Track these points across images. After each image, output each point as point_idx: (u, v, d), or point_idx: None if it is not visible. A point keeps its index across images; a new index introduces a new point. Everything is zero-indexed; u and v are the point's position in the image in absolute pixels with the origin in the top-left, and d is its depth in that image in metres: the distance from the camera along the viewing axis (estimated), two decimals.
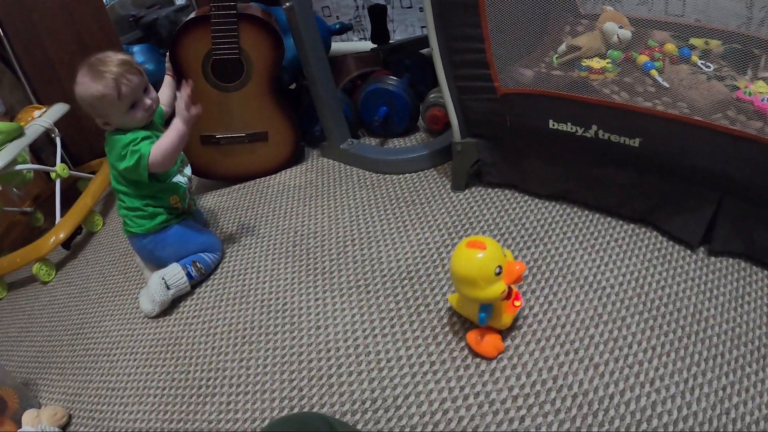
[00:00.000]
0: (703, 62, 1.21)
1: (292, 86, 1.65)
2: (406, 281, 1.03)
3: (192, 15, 1.33)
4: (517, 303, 0.86)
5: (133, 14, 2.08)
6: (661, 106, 0.97)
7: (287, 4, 1.24)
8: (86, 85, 1.01)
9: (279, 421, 0.55)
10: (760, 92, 1.10)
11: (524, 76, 1.06)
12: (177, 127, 1.05)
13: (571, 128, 1.01)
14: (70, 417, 0.98)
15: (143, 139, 1.05)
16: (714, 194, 0.95)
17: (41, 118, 1.44)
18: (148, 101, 1.06)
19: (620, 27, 1.26)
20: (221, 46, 1.30)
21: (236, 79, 1.35)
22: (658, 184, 1.00)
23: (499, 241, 1.07)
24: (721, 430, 0.73)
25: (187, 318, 1.09)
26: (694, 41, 1.28)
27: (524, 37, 1.10)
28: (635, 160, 0.99)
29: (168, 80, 1.26)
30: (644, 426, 0.74)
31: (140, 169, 1.05)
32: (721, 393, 0.77)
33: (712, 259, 0.98)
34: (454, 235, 1.11)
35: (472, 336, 0.88)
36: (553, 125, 1.02)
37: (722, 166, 0.92)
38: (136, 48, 1.90)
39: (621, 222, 1.07)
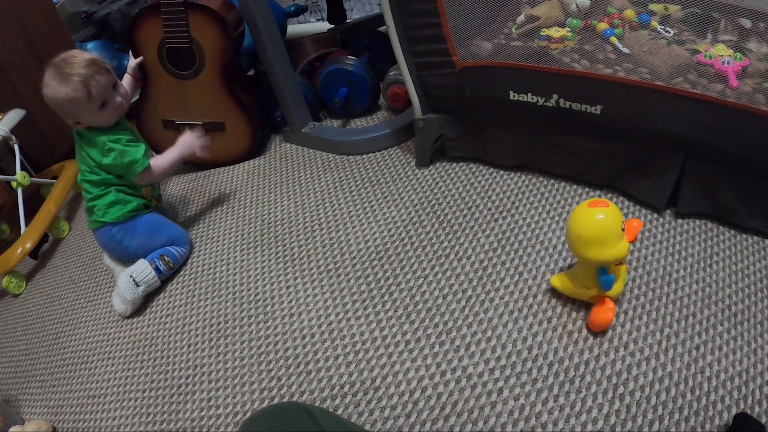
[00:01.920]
0: (663, 27, 1.22)
1: (251, 72, 1.61)
2: (375, 261, 1.02)
3: (146, 4, 1.30)
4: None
5: (85, 11, 2.00)
6: (622, 73, 0.97)
7: None
8: (54, 88, 0.99)
9: (258, 415, 0.54)
10: (720, 55, 1.12)
11: (482, 48, 1.05)
12: (179, 154, 1.13)
13: (532, 98, 1.00)
14: (54, 429, 0.96)
15: (128, 141, 1.07)
16: (678, 157, 0.96)
17: None
18: (118, 99, 1.05)
19: None
20: (172, 35, 1.27)
21: (190, 68, 1.32)
22: (622, 150, 1.00)
23: (466, 214, 1.07)
24: (697, 388, 0.74)
25: (161, 317, 1.07)
26: (653, 7, 1.28)
27: (481, 10, 1.09)
28: (597, 127, 0.98)
29: (127, 79, 1.25)
30: (621, 389, 0.75)
31: (130, 173, 1.08)
32: (694, 352, 0.78)
33: (679, 221, 0.99)
34: (421, 212, 1.10)
35: (596, 315, 0.82)
36: (514, 96, 1.01)
37: (685, 129, 0.92)
38: (90, 45, 1.84)
39: (587, 189, 1.07)
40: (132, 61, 1.28)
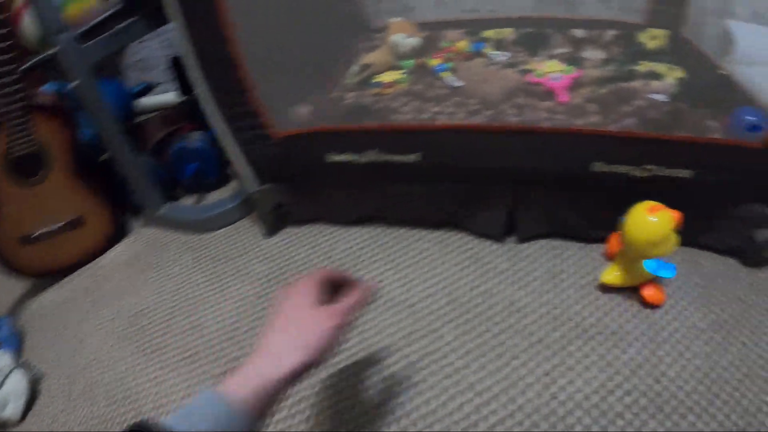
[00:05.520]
0: (499, 53, 1.27)
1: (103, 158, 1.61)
2: (228, 342, 1.04)
3: None
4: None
5: None
6: (446, 116, 1.00)
7: (73, 83, 1.22)
8: None
9: None
10: (552, 71, 1.18)
11: (300, 115, 1.08)
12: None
13: (351, 157, 1.04)
14: None
15: None
16: (506, 187, 1.01)
17: None
18: None
19: (408, 36, 1.30)
20: (16, 144, 1.25)
21: (39, 171, 1.31)
22: (449, 191, 1.04)
23: (300, 272, 1.11)
24: (552, 415, 0.77)
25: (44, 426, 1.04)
26: (487, 33, 1.33)
27: (305, 73, 1.11)
28: (420, 173, 1.02)
29: None
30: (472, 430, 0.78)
31: None
32: (545, 379, 0.81)
33: (524, 245, 1.03)
34: (266, 285, 1.13)
35: (647, 292, 0.92)
36: (334, 158, 1.05)
37: (510, 161, 0.97)
38: None
39: (428, 231, 1.11)
40: None
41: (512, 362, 0.84)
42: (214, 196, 1.46)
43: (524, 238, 1.05)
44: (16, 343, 1.18)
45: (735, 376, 0.83)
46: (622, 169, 0.92)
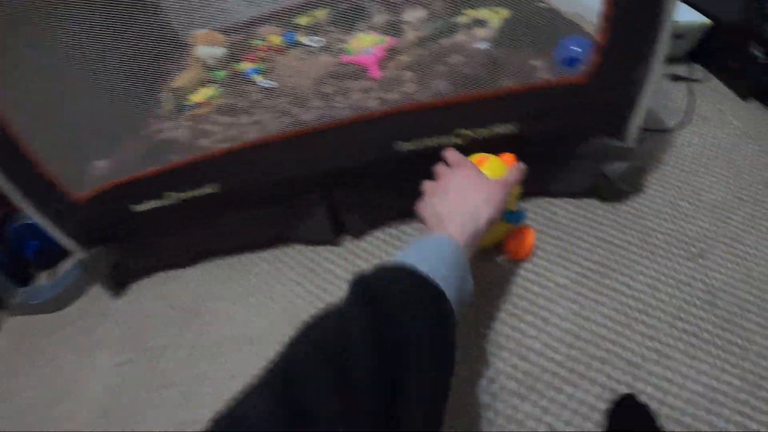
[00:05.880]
0: (313, 39, 1.18)
1: None
2: (104, 421, 0.97)
3: None
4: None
5: None
6: (261, 124, 0.96)
7: None
8: None
9: None
10: (365, 46, 1.09)
11: (99, 170, 1.00)
12: None
13: (155, 203, 0.97)
14: None
15: None
16: (319, 192, 0.96)
17: None
18: None
19: (212, 47, 1.20)
20: None
21: None
22: (265, 210, 0.99)
23: (163, 334, 1.04)
24: None
25: None
26: (299, 20, 1.24)
27: (111, 118, 1.03)
28: (229, 201, 0.97)
29: None
30: None
31: None
32: None
33: (360, 244, 1.01)
34: (127, 349, 1.06)
35: (510, 247, 0.89)
36: (141, 208, 0.98)
37: (313, 163, 0.93)
38: None
39: (263, 252, 1.08)
40: None
41: None
42: (66, 266, 1.34)
43: (357, 235, 1.03)
44: None
45: (612, 329, 0.78)
46: (430, 142, 0.84)
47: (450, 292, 0.54)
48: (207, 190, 0.94)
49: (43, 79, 0.94)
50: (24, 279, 1.36)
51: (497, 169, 0.80)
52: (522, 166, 0.79)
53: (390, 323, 0.48)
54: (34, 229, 1.30)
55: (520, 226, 0.89)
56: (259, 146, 0.90)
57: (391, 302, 0.50)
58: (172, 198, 0.95)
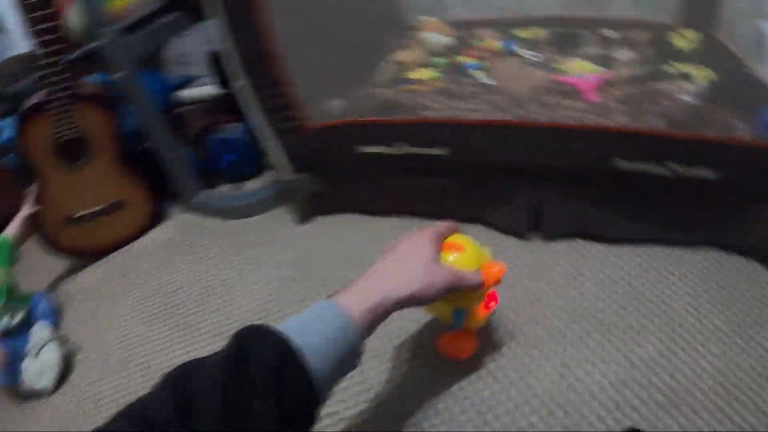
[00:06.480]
0: (532, 53, 1.28)
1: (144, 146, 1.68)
2: (260, 320, 1.07)
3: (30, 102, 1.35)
4: (492, 305, 0.80)
5: None
6: (485, 105, 1.02)
7: (116, 75, 1.29)
8: None
9: None
10: (582, 71, 1.18)
11: (333, 107, 1.12)
12: None
13: (382, 149, 1.07)
14: None
15: None
16: (531, 184, 1.02)
17: None
18: None
19: (442, 35, 1.32)
20: (62, 129, 1.32)
21: (83, 155, 1.38)
22: (475, 185, 1.06)
23: (334, 268, 1.13)
24: (568, 405, 0.77)
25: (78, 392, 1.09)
26: (519, 33, 1.34)
27: (339, 69, 1.14)
28: (447, 167, 1.05)
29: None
30: (488, 416, 0.79)
31: None
32: (562, 369, 0.82)
33: (550, 243, 1.04)
34: (296, 269, 1.16)
35: (444, 340, 0.85)
36: (364, 150, 1.08)
37: (534, 158, 0.99)
38: (3, 123, 1.86)
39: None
40: None
41: (532, 351, 0.86)
42: (250, 186, 1.51)
43: (550, 237, 1.05)
44: (54, 318, 1.24)
45: (755, 380, 0.81)
46: (644, 167, 0.93)
47: (320, 364, 0.54)
48: (438, 151, 1.02)
49: (310, 10, 1.07)
50: (210, 186, 1.51)
51: (467, 262, 0.74)
52: (493, 288, 0.75)
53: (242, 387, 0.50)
54: (230, 144, 1.48)
55: (458, 330, 0.83)
56: (489, 126, 0.98)
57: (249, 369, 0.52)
58: (399, 149, 1.04)
